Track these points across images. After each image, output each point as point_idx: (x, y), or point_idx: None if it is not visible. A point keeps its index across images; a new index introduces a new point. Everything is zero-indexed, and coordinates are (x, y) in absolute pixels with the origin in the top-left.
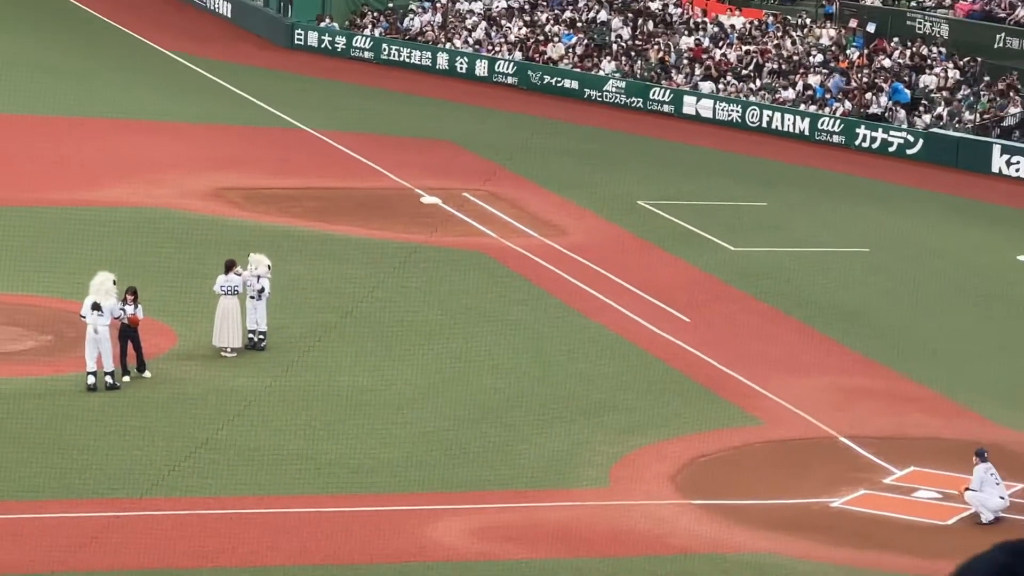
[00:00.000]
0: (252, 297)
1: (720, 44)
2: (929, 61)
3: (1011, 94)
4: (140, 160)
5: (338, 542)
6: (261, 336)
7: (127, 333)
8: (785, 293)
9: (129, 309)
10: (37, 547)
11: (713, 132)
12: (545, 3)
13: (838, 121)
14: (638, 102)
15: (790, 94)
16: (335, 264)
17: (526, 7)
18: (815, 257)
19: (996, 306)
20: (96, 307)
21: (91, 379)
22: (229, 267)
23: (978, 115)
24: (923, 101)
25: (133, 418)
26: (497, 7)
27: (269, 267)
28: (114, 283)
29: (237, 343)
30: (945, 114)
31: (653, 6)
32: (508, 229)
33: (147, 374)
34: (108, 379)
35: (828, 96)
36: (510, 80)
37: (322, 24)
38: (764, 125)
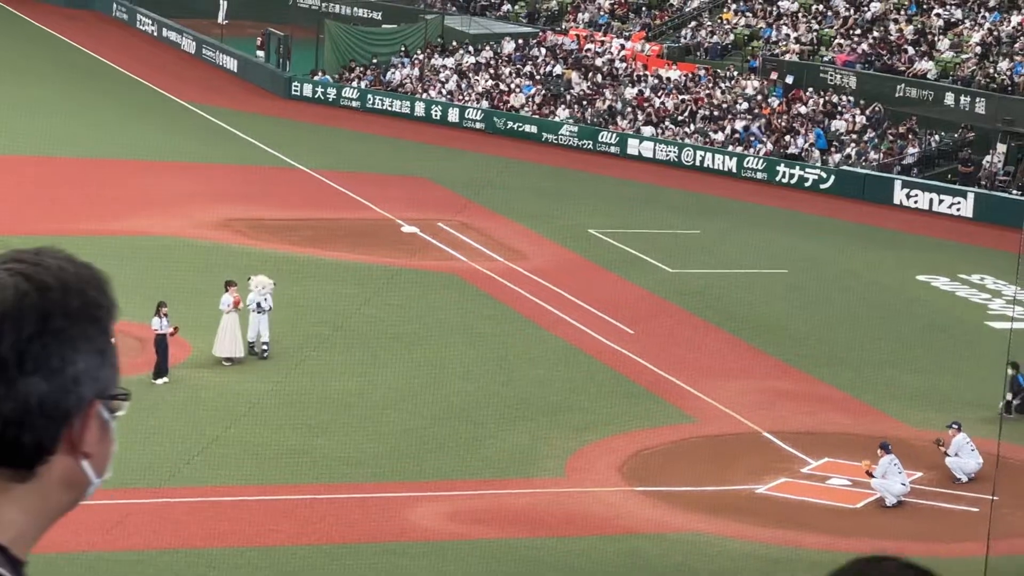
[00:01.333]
0: (255, 312)
1: (659, 94)
2: (839, 108)
3: (910, 136)
4: (157, 195)
5: (331, 524)
6: (264, 346)
7: (164, 343)
8: (716, 308)
9: (164, 322)
10: (71, 530)
11: (653, 170)
12: (508, 59)
13: (761, 160)
14: (589, 144)
15: (720, 137)
16: (328, 284)
17: (492, 62)
18: (741, 277)
19: (898, 319)
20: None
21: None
22: (228, 286)
23: (882, 154)
24: (834, 143)
25: (152, 418)
26: (467, 62)
27: (275, 284)
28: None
29: (235, 354)
30: (853, 153)
31: (600, 61)
32: (477, 254)
33: (160, 381)
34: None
35: (752, 138)
36: (478, 125)
37: (315, 77)
38: (697, 164)
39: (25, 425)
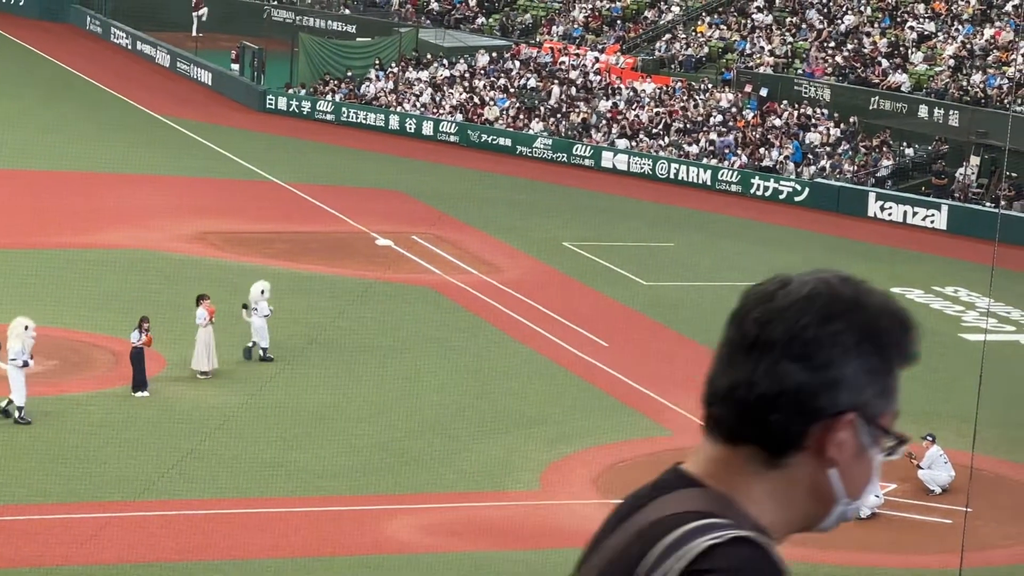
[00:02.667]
0: (266, 316)
1: (634, 107)
2: (814, 120)
3: (884, 149)
4: (132, 208)
5: (305, 538)
6: (264, 349)
7: (139, 355)
8: (690, 321)
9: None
10: (45, 544)
11: (628, 183)
12: (482, 72)
13: (735, 172)
14: (563, 157)
15: (694, 149)
16: (303, 297)
17: (466, 75)
18: (716, 290)
19: None
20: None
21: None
22: (200, 300)
23: (856, 167)
24: (809, 155)
25: (127, 431)
26: (441, 75)
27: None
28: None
29: (211, 367)
30: (828, 166)
31: (573, 74)
32: (451, 267)
33: (140, 394)
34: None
35: (727, 151)
36: (452, 138)
37: (290, 90)
38: (672, 176)
39: (777, 406)
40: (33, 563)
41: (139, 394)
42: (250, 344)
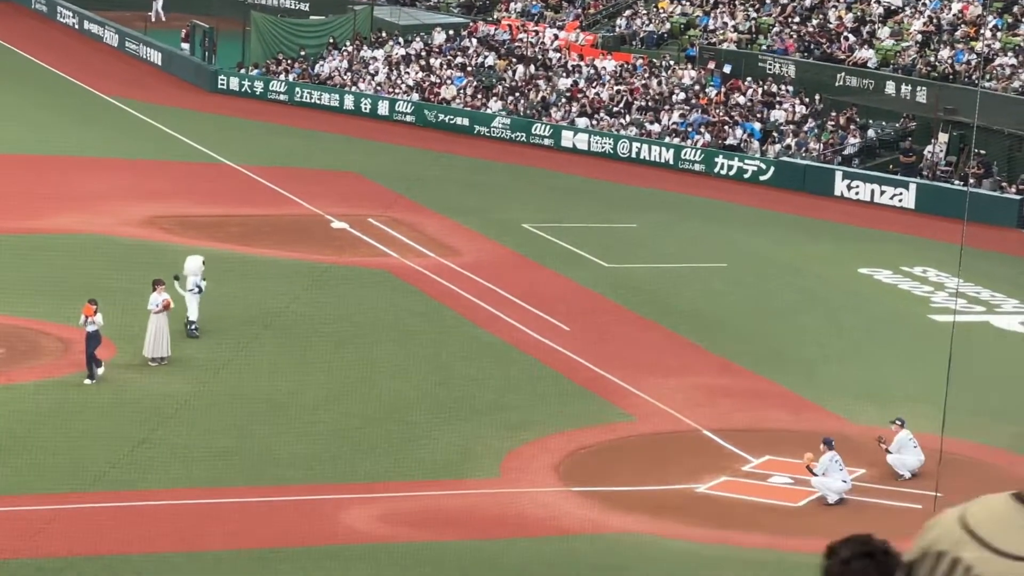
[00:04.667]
0: (196, 293)
1: (594, 84)
2: (778, 98)
3: (850, 126)
4: (82, 192)
5: (262, 528)
6: (193, 323)
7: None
8: (653, 304)
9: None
10: None
11: (588, 163)
12: (439, 50)
13: (699, 151)
14: (522, 136)
15: (656, 128)
16: (257, 282)
17: (422, 54)
18: (679, 272)
19: (840, 313)
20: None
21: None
22: (156, 285)
23: (822, 145)
24: (774, 133)
25: (78, 421)
26: (396, 54)
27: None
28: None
29: (164, 354)
30: (793, 144)
31: (533, 51)
32: (408, 250)
33: (88, 382)
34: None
35: (690, 129)
36: (408, 118)
37: (242, 70)
38: (633, 156)
39: None
40: None
41: (91, 378)
42: (190, 322)
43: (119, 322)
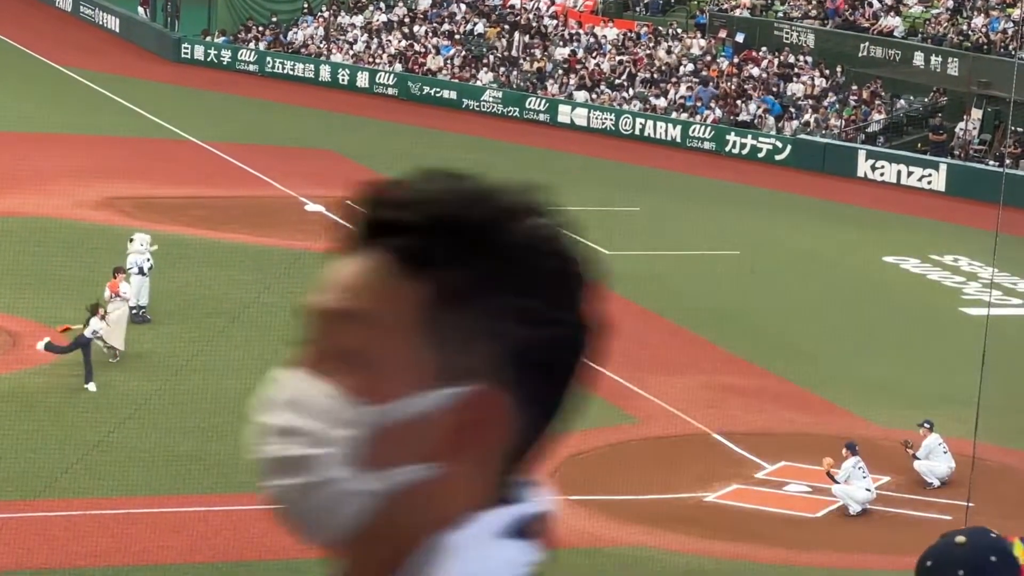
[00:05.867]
0: (139, 275)
1: (594, 54)
2: (796, 70)
3: (875, 101)
4: (31, 171)
5: (227, 539)
6: (142, 307)
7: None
8: (659, 295)
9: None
10: None
11: (588, 140)
12: (424, 16)
13: (709, 128)
14: (515, 111)
15: (662, 102)
16: (222, 270)
17: (405, 20)
18: (687, 260)
19: (863, 306)
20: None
21: None
22: (116, 273)
23: (844, 121)
24: (791, 108)
25: (26, 422)
26: (377, 20)
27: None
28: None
29: (120, 346)
30: (812, 120)
31: (526, 18)
32: None
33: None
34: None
35: (699, 104)
36: (390, 91)
37: (208, 38)
38: (637, 133)
39: None
40: None
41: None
42: (136, 307)
43: (74, 314)
